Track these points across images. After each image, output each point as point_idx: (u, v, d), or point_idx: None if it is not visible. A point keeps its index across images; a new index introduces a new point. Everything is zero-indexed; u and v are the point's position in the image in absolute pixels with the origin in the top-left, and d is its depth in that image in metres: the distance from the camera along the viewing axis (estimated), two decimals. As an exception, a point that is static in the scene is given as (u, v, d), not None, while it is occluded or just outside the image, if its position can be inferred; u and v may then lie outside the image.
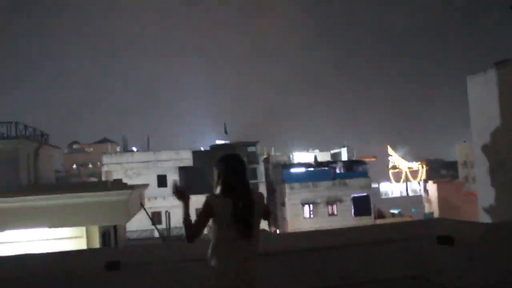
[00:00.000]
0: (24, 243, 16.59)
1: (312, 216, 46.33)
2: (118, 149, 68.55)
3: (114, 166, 44.50)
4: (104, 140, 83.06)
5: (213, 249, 3.95)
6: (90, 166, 78.17)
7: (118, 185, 19.80)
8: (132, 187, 19.29)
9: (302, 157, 59.88)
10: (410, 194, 57.97)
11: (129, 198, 17.58)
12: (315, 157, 55.29)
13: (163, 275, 5.56)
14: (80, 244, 16.99)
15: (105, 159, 46.69)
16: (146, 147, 53.85)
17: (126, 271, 5.47)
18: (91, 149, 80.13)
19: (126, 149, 56.78)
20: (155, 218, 39.92)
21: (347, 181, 46.43)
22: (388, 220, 45.10)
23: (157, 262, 5.65)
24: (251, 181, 48.67)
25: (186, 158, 47.98)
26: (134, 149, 56.02)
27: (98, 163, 56.54)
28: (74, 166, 77.82)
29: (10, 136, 20.48)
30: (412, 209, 51.28)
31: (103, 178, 42.46)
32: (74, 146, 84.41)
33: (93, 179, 46.44)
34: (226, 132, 57.00)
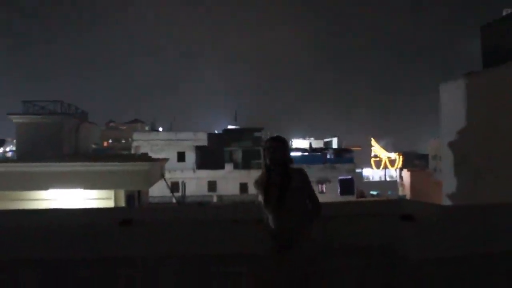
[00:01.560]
0: (64, 200, 16.69)
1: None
2: (146, 128, 68.61)
3: (142, 142, 44.62)
4: (136, 121, 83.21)
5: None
6: (124, 141, 78.25)
7: (143, 157, 19.81)
8: (153, 160, 19.33)
9: (300, 143, 59.82)
10: (388, 179, 57.88)
11: (150, 168, 17.61)
12: (310, 144, 55.29)
13: (172, 233, 5.50)
14: (108, 204, 17.06)
15: (135, 136, 46.84)
16: (170, 128, 53.89)
17: (138, 228, 5.42)
18: (124, 127, 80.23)
19: (153, 129, 56.89)
20: (174, 187, 40.04)
21: (336, 165, 46.45)
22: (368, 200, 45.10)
23: (168, 221, 5.58)
24: (256, 161, 48.87)
25: (201, 139, 48.06)
26: (160, 129, 56.07)
27: (130, 139, 56.62)
28: (110, 141, 77.99)
29: (56, 112, 20.48)
30: (389, 192, 51.27)
31: (133, 152, 42.56)
32: (111, 124, 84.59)
33: (125, 153, 46.50)
34: (236, 119, 56.83)
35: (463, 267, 5.35)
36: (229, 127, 55.61)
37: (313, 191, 4.25)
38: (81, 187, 16.55)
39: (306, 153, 49.38)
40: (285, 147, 4.21)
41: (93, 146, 59.74)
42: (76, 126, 21.46)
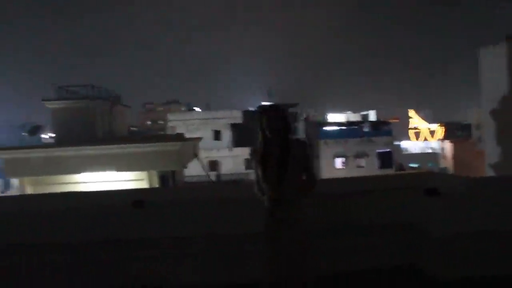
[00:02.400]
0: (97, 183, 17.00)
1: (342, 167, 45.87)
2: (183, 109, 69.18)
3: (177, 123, 44.99)
4: (173, 101, 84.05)
5: None
6: (161, 122, 79.37)
7: (173, 137, 19.90)
8: (184, 139, 19.37)
9: (336, 117, 58.92)
10: (428, 151, 56.29)
11: (181, 148, 17.65)
12: (347, 118, 54.25)
13: (181, 214, 5.39)
14: (142, 185, 17.26)
15: (170, 116, 47.30)
16: (206, 108, 54.16)
17: (149, 209, 5.34)
18: (162, 108, 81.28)
19: (190, 109, 57.28)
20: (210, 165, 40.34)
21: (373, 138, 45.52)
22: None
23: (179, 203, 5.47)
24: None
25: (237, 117, 48.01)
26: (198, 109, 56.35)
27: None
28: (148, 122, 79.36)
29: (89, 97, 20.77)
30: (429, 164, 49.90)
31: (168, 133, 43.08)
32: (148, 106, 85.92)
33: (161, 133, 47.13)
34: (270, 95, 56.43)
35: (491, 243, 4.99)
36: (263, 103, 55.31)
37: (311, 164, 3.98)
38: (113, 169, 16.81)
39: (343, 127, 48.56)
40: (285, 116, 3.92)
41: (132, 128, 60.88)
42: (109, 109, 21.74)
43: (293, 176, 3.79)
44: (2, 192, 33.35)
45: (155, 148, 17.32)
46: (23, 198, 6.24)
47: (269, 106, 4.05)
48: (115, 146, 17.04)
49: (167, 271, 5.19)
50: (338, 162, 45.53)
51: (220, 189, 6.15)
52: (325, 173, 44.94)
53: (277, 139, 3.85)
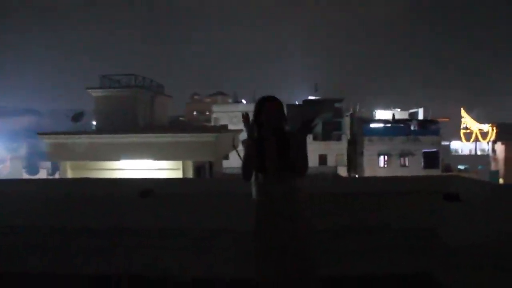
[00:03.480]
0: (135, 170, 17.31)
1: (386, 165, 44.77)
2: (230, 100, 69.55)
3: (221, 114, 45.33)
4: (219, 93, 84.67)
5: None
6: (208, 113, 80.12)
7: (211, 128, 19.93)
8: (222, 131, 19.37)
9: (383, 114, 57.46)
10: (479, 153, 53.90)
11: (217, 140, 17.64)
12: (393, 115, 52.78)
13: (188, 205, 5.31)
14: (177, 174, 17.44)
15: (215, 108, 47.69)
16: (253, 100, 54.11)
17: (157, 198, 5.30)
18: (209, 99, 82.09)
19: (236, 101, 57.50)
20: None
21: (420, 137, 44.06)
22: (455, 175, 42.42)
23: (186, 194, 5.40)
24: (336, 132, 47.80)
25: (280, 110, 47.62)
26: (244, 101, 56.47)
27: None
28: (194, 113, 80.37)
29: (131, 86, 21.15)
30: (479, 166, 47.79)
31: (212, 124, 43.41)
32: (195, 97, 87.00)
33: (205, 124, 47.59)
34: (316, 90, 55.78)
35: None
36: (309, 98, 54.69)
37: (305, 153, 3.78)
38: (150, 158, 17.07)
39: (389, 125, 47.29)
40: (282, 108, 3.74)
41: (180, 118, 61.83)
42: (151, 98, 22.09)
43: (292, 173, 3.62)
44: (50, 175, 34.85)
45: (191, 138, 17.42)
46: (36, 182, 6.36)
47: (267, 96, 3.85)
48: (152, 135, 17.27)
49: (172, 262, 5.13)
50: (382, 160, 44.45)
51: (232, 184, 6.00)
52: (367, 171, 44.04)
53: (275, 135, 3.67)
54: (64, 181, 6.65)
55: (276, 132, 3.59)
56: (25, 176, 37.33)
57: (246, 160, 3.65)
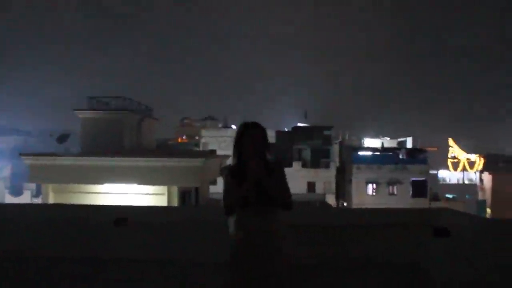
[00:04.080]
0: (119, 195, 16.92)
1: (374, 193, 44.65)
2: (220, 125, 69.47)
3: (210, 139, 45.14)
4: (208, 118, 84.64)
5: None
6: (197, 138, 79.84)
7: (197, 153, 19.67)
8: (208, 156, 19.11)
9: (372, 142, 57.70)
10: (466, 182, 54.15)
11: (204, 165, 17.37)
12: (382, 143, 53.01)
13: (162, 233, 5.02)
14: (162, 200, 17.07)
15: (203, 132, 47.56)
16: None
17: (132, 227, 5.01)
18: (199, 124, 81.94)
19: (226, 126, 57.42)
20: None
21: (408, 166, 44.15)
22: (443, 203, 42.34)
23: (160, 222, 5.12)
24: (325, 160, 47.74)
25: (270, 136, 47.21)
26: (233, 126, 56.39)
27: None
28: (184, 137, 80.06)
29: (119, 108, 20.92)
30: (467, 196, 47.93)
31: (201, 149, 43.14)
32: (185, 121, 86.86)
33: (196, 149, 47.32)
34: (306, 117, 55.95)
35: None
36: (299, 125, 54.78)
37: (287, 185, 3.54)
38: (135, 182, 16.72)
39: (377, 153, 47.39)
40: (265, 136, 3.50)
41: (169, 142, 61.40)
42: (138, 121, 21.85)
43: (274, 204, 3.37)
44: (34, 197, 34.11)
45: (178, 163, 17.14)
46: (9, 207, 6.03)
47: (250, 123, 3.62)
48: (137, 159, 16.96)
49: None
50: (370, 188, 44.37)
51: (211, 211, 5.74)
52: (355, 199, 43.85)
53: (257, 162, 3.42)
54: (37, 206, 6.32)
55: (259, 162, 3.37)
56: (8, 197, 36.54)
57: (228, 193, 3.41)
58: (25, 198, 35.47)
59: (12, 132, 47.74)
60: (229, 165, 3.56)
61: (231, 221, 3.40)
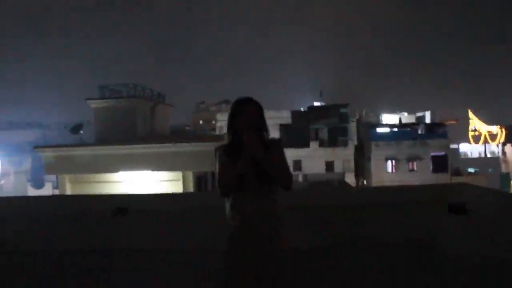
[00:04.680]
0: (134, 182, 16.89)
1: (394, 170, 44.07)
2: (235, 109, 69.04)
3: (225, 123, 44.94)
4: (224, 102, 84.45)
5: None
6: (213, 122, 79.86)
7: (211, 137, 19.52)
8: (221, 139, 18.90)
9: (390, 118, 56.88)
10: (488, 155, 53.00)
11: (217, 149, 17.14)
12: (400, 119, 52.15)
13: (164, 222, 4.85)
14: (177, 186, 16.99)
15: (219, 116, 47.46)
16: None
17: (133, 216, 4.84)
18: (214, 108, 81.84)
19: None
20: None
21: (427, 141, 43.33)
22: (464, 178, 41.55)
23: (161, 210, 4.94)
24: (342, 138, 47.27)
25: (286, 117, 47.41)
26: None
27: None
28: (201, 122, 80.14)
29: (130, 96, 20.82)
30: (489, 169, 46.92)
31: (217, 133, 43.06)
32: (202, 106, 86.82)
33: (212, 133, 47.28)
34: (321, 96, 55.30)
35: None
36: (315, 104, 54.18)
37: (286, 163, 3.31)
38: (149, 169, 16.65)
39: (395, 129, 46.61)
40: (261, 112, 3.26)
41: (186, 128, 61.47)
42: (151, 108, 21.75)
43: (273, 183, 3.15)
44: (55, 188, 34.56)
45: (192, 148, 16.99)
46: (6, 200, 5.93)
47: (244, 99, 3.35)
48: (150, 145, 16.88)
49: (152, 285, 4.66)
50: (389, 165, 43.78)
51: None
52: (375, 177, 43.37)
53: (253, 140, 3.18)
54: (38, 199, 6.22)
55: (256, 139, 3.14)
56: (30, 189, 37.11)
57: (222, 173, 3.18)
58: (47, 189, 36.00)
59: (32, 125, 48.39)
60: (224, 143, 3.35)
61: (227, 203, 3.20)
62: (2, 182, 39.96)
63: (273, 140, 3.29)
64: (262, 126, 3.22)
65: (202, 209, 5.00)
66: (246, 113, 3.16)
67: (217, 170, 3.22)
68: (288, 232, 3.47)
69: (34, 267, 4.63)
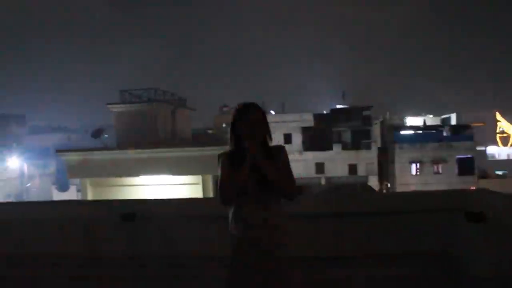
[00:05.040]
0: (155, 186, 16.99)
1: (418, 173, 43.33)
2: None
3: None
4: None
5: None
6: (236, 125, 79.65)
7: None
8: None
9: (414, 121, 55.94)
10: (517, 158, 51.68)
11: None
12: (424, 121, 51.32)
13: (173, 229, 4.77)
14: (197, 190, 17.01)
15: (240, 119, 47.38)
16: (281, 110, 53.55)
17: (140, 223, 4.77)
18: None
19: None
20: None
21: (453, 143, 42.44)
22: (492, 181, 40.52)
23: (170, 216, 4.85)
24: (366, 141, 46.69)
25: (308, 120, 47.13)
26: (272, 112, 55.97)
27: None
28: (224, 125, 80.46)
29: (150, 99, 20.98)
30: (518, 171, 45.71)
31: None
32: (224, 109, 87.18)
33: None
34: (344, 98, 54.80)
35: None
36: (337, 106, 53.75)
37: (290, 171, 3.21)
38: (169, 173, 16.72)
39: (420, 131, 45.87)
40: (264, 118, 3.19)
41: (208, 131, 61.73)
42: (171, 112, 21.85)
43: (271, 185, 3.08)
44: (79, 191, 35.18)
45: (210, 151, 16.97)
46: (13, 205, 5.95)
47: (247, 104, 3.27)
48: (168, 149, 16.96)
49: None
50: (414, 168, 43.06)
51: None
52: (399, 179, 42.75)
53: (258, 148, 3.11)
54: (45, 204, 6.24)
55: (260, 147, 3.05)
56: (55, 192, 37.84)
57: (225, 180, 3.09)
58: (72, 192, 36.70)
59: (57, 130, 49.42)
60: (226, 150, 3.27)
61: (230, 212, 3.11)
62: (28, 185, 40.89)
63: (277, 147, 3.18)
64: (264, 133, 3.12)
65: (216, 215, 4.91)
66: (250, 120, 3.06)
67: (219, 178, 3.13)
68: (297, 241, 3.35)
69: (38, 274, 4.62)
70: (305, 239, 4.62)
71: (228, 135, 3.28)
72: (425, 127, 47.00)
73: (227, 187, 3.04)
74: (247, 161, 2.98)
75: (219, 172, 3.16)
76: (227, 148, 3.27)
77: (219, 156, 3.25)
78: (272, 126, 3.16)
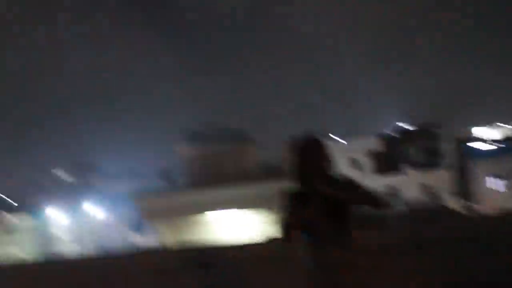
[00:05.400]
0: (225, 223, 17.15)
1: (504, 190, 40.46)
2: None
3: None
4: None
5: None
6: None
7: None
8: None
9: (483, 131, 52.81)
10: None
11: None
12: (499, 133, 48.29)
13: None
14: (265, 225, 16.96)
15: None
16: (344, 132, 52.48)
17: (216, 270, 4.70)
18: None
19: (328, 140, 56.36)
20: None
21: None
22: None
23: (245, 261, 4.76)
24: (437, 160, 44.62)
25: (373, 143, 46.21)
26: (339, 139, 54.74)
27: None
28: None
29: (214, 139, 21.46)
30: None
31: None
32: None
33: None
34: (409, 116, 52.97)
35: None
36: (403, 126, 52.11)
37: (367, 190, 3.00)
38: (237, 208, 16.83)
39: (501, 145, 42.88)
40: (325, 150, 3.04)
41: (278, 166, 61.72)
42: (236, 149, 22.13)
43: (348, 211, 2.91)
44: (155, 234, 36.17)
45: (278, 185, 16.94)
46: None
47: (312, 139, 3.11)
48: (236, 186, 17.09)
49: None
50: (495, 183, 40.32)
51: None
52: (481, 198, 40.23)
53: (324, 191, 2.95)
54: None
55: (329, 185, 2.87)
56: (132, 236, 38.99)
57: (286, 220, 2.95)
58: (149, 236, 37.68)
59: (131, 174, 51.39)
60: (290, 188, 3.11)
61: (297, 253, 2.96)
62: (106, 230, 42.61)
63: (345, 178, 2.99)
64: (326, 165, 2.93)
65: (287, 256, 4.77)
66: (309, 155, 2.91)
67: (283, 218, 2.97)
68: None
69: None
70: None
71: (291, 172, 3.09)
72: (504, 139, 44.11)
73: (293, 226, 2.92)
74: (314, 199, 2.84)
75: (282, 212, 3.01)
76: (290, 186, 3.08)
77: (281, 194, 3.11)
78: (337, 152, 3.01)
